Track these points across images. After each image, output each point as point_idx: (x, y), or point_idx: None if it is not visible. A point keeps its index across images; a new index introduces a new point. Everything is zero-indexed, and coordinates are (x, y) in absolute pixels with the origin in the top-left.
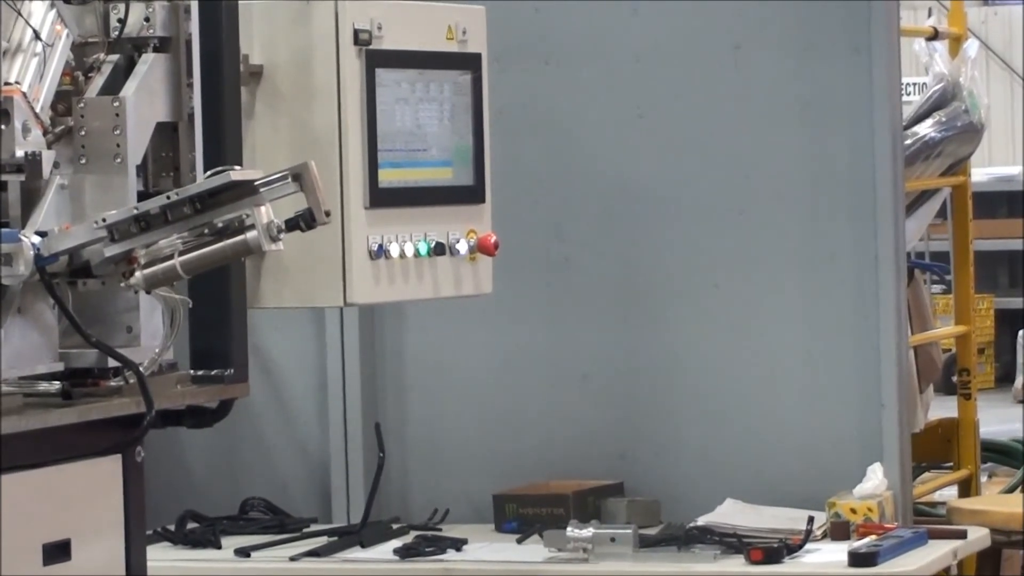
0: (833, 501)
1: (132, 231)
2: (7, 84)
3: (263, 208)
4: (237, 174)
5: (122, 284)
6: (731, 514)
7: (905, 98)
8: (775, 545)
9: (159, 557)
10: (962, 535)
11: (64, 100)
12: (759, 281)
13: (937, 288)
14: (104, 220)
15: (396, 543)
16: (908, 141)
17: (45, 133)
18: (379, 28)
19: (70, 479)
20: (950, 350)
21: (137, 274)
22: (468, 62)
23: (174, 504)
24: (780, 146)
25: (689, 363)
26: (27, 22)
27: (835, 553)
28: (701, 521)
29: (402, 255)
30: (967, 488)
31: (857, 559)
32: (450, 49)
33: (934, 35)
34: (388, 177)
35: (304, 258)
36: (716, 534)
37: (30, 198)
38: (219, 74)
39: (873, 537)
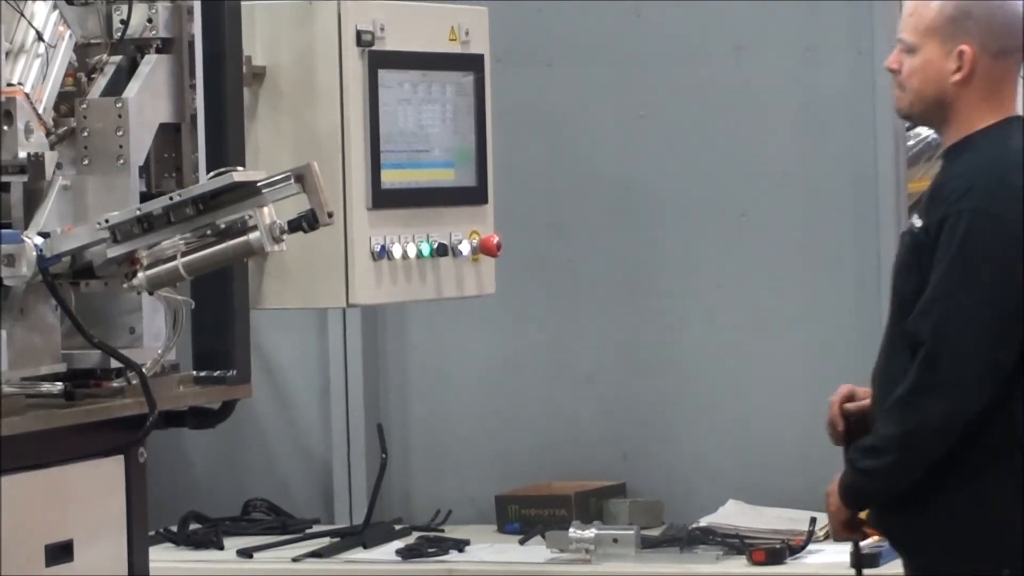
0: None
1: (135, 232)
2: (10, 85)
3: (266, 209)
4: (240, 175)
5: (124, 285)
6: (733, 515)
7: None
8: (777, 546)
9: (161, 558)
10: None
11: (67, 101)
12: (761, 282)
13: None
14: (107, 221)
15: (398, 544)
16: (911, 142)
17: (48, 134)
18: (381, 29)
19: (72, 480)
20: None
21: (140, 275)
22: (471, 63)
23: (177, 505)
24: (782, 147)
25: (692, 364)
26: (30, 23)
27: (837, 554)
28: (703, 522)
29: (404, 256)
30: None
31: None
32: (453, 50)
33: None
34: (391, 178)
35: (306, 259)
36: (718, 535)
37: (33, 199)
38: (222, 75)
39: (875, 538)
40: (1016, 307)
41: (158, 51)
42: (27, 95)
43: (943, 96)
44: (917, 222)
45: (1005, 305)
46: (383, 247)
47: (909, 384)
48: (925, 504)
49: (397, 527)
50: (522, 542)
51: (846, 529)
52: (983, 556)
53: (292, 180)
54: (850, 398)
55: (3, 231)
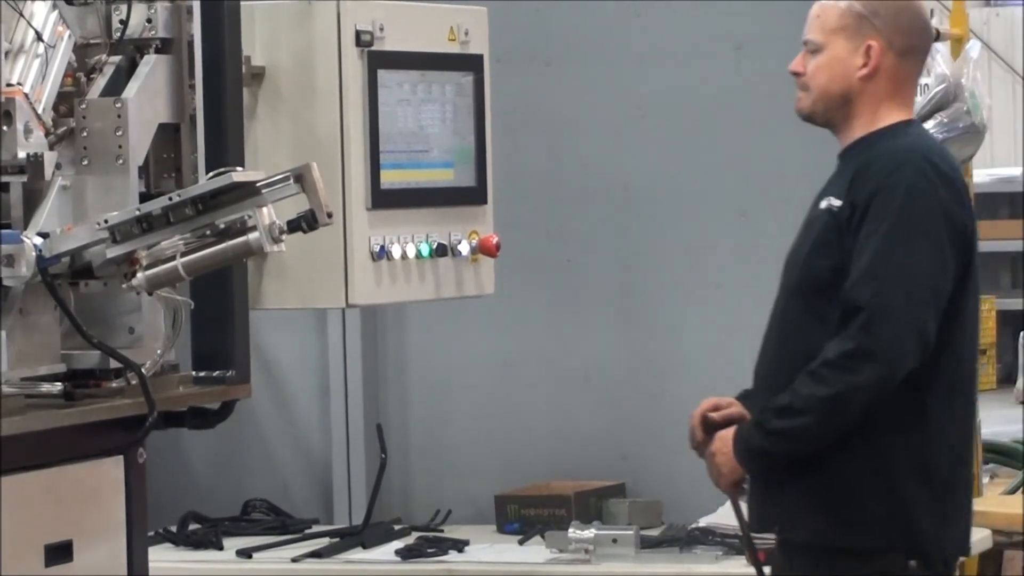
0: None
1: (134, 232)
2: (9, 85)
3: (265, 209)
4: (239, 175)
5: (124, 285)
6: (733, 515)
7: None
8: None
9: (161, 558)
10: None
11: (66, 101)
12: (761, 282)
13: None
14: (106, 221)
15: (398, 544)
16: None
17: (47, 134)
18: (381, 29)
19: (72, 480)
20: None
21: (139, 275)
22: (470, 63)
23: (176, 505)
24: (781, 146)
25: (691, 364)
26: (29, 23)
27: None
28: (703, 522)
29: (404, 256)
30: None
31: None
32: (452, 50)
33: (936, 36)
34: (390, 178)
35: (306, 259)
36: (718, 535)
37: (32, 199)
38: (221, 75)
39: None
40: (946, 281)
41: (157, 51)
42: (26, 95)
43: (849, 92)
44: (835, 202)
45: (938, 277)
46: (382, 247)
47: (843, 348)
48: (815, 473)
49: (396, 527)
50: (521, 542)
51: (734, 487)
52: (870, 530)
53: (291, 180)
54: (715, 409)
55: (3, 231)
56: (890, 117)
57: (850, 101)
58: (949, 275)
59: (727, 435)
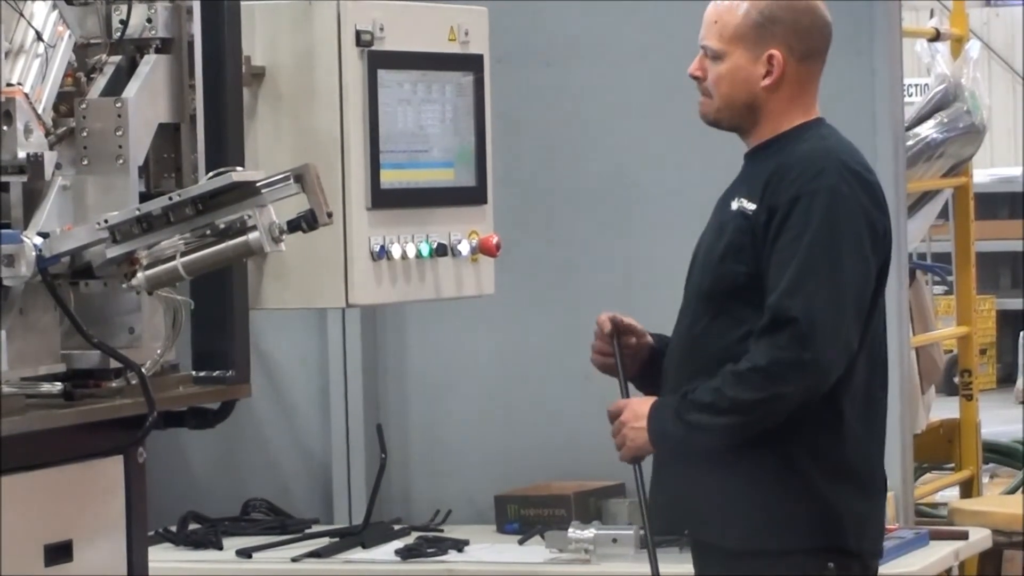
0: None
1: (134, 232)
2: (9, 85)
3: (265, 209)
4: (239, 175)
5: (124, 285)
6: None
7: (907, 99)
8: None
9: (161, 558)
10: (963, 536)
11: (66, 101)
12: None
13: (939, 289)
14: (106, 221)
15: (398, 544)
16: (910, 142)
17: (47, 134)
18: (381, 29)
19: (72, 480)
20: (951, 351)
21: (139, 275)
22: (470, 63)
23: (176, 505)
24: None
25: None
26: (29, 23)
27: None
28: None
29: (404, 256)
30: (968, 489)
31: None
32: (452, 50)
33: (936, 36)
34: (390, 178)
35: (306, 259)
36: None
37: (32, 199)
38: (221, 75)
39: None
40: (868, 289)
41: (157, 51)
42: (26, 95)
43: (754, 100)
44: (749, 205)
45: (862, 287)
46: (382, 247)
47: (776, 357)
48: (730, 474)
49: (396, 527)
50: (521, 542)
51: (635, 457)
52: (792, 530)
53: (291, 180)
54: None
55: (3, 231)
56: (798, 118)
57: (756, 109)
58: (871, 283)
59: (641, 409)
